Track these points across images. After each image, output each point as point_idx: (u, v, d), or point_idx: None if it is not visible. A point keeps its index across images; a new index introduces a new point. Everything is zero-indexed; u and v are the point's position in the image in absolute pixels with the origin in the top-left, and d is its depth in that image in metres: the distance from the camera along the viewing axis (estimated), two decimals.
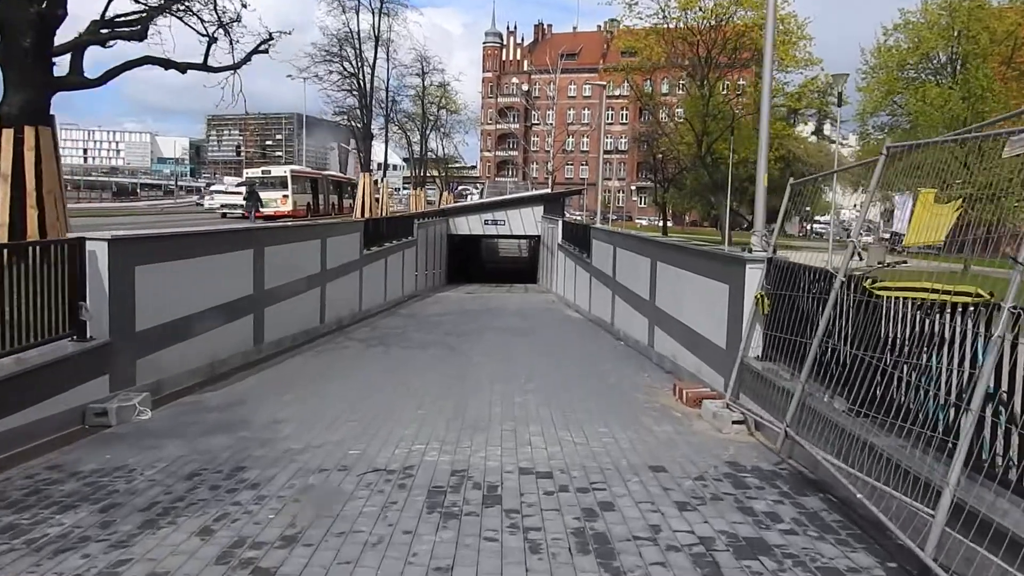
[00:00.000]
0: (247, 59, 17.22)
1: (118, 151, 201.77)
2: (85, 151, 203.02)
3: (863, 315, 5.42)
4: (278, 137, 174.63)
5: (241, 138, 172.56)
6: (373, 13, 38.63)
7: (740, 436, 7.23)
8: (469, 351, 13.07)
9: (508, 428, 7.40)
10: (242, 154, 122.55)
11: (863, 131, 58.34)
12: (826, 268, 6.29)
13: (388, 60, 42.66)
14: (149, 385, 8.26)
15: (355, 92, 40.41)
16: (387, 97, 44.91)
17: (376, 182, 43.94)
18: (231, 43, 15.40)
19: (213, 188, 67.59)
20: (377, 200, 42.60)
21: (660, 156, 56.89)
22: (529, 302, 27.49)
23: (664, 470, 6.05)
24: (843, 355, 5.69)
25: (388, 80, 44.66)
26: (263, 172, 45.55)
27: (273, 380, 10.14)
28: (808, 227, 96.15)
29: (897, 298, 5.06)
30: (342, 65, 39.45)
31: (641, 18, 42.83)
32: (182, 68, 16.38)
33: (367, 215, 37.19)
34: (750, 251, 7.95)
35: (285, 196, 42.12)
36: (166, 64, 16.11)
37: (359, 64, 39.30)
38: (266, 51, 17.53)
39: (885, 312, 5.22)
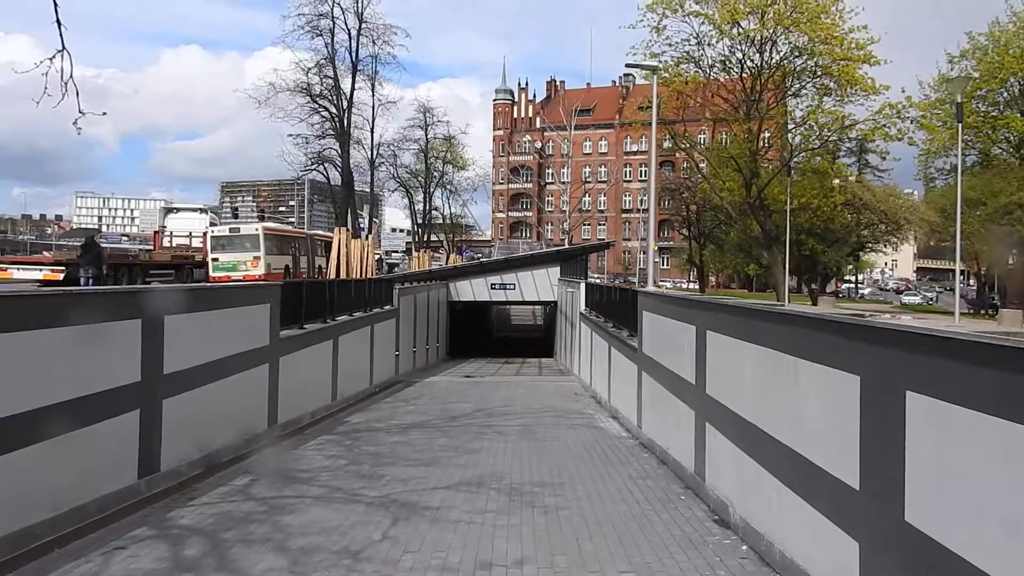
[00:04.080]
0: None
1: (132, 218, 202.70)
2: (100, 218, 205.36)
3: None
4: (291, 203, 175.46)
5: (255, 203, 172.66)
6: (350, 35, 32.18)
7: None
8: None
9: None
10: (242, 216, 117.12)
11: (927, 175, 50.29)
12: None
13: (372, 93, 36.15)
14: None
15: (332, 132, 33.85)
16: (372, 136, 38.16)
17: (359, 240, 37.09)
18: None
19: None
20: (362, 261, 35.80)
21: (695, 207, 49.24)
22: (544, 396, 19.58)
23: None
24: None
25: (373, 116, 38.01)
26: (231, 230, 38.19)
27: None
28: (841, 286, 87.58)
29: None
30: (311, 97, 32.71)
31: (671, 44, 35.76)
32: None
33: (344, 278, 30.48)
34: None
35: (256, 258, 34.71)
36: None
37: (337, 98, 32.67)
38: None
39: None
